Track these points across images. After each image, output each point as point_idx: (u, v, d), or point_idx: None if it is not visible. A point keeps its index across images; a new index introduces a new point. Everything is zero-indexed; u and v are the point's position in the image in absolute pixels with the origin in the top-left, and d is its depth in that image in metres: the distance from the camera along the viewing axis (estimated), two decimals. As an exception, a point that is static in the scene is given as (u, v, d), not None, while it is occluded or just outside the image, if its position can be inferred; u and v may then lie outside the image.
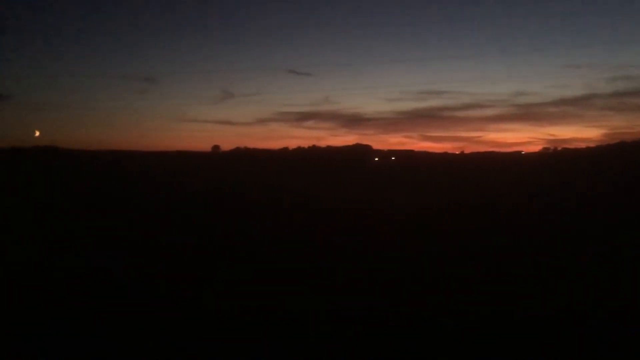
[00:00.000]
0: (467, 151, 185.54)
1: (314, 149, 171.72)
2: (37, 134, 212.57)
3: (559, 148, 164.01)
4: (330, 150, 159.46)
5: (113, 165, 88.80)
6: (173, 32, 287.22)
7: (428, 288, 10.64)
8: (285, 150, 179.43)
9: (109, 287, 10.44)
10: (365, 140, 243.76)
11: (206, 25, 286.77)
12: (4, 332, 7.81)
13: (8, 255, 13.45)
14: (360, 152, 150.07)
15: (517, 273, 12.06)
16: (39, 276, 11.30)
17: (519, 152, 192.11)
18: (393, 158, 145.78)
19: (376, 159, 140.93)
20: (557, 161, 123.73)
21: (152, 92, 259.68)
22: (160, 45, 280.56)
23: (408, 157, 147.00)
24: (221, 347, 7.41)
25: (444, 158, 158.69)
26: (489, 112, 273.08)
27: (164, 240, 15.85)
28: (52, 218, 20.81)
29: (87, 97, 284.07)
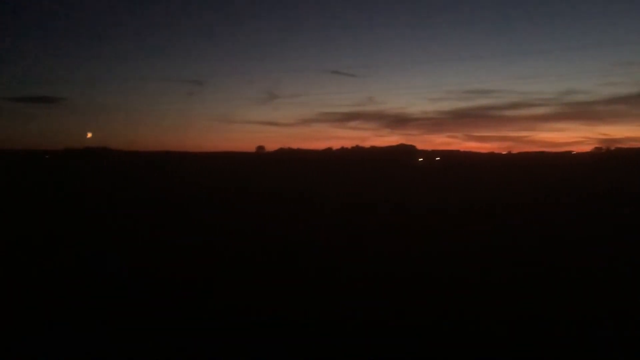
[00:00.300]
0: (514, 151, 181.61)
1: (357, 150, 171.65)
2: (90, 135, 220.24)
3: (612, 148, 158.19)
4: (374, 151, 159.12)
5: (161, 165, 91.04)
6: (219, 35, 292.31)
7: (475, 288, 10.40)
8: (328, 151, 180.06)
9: (154, 285, 10.65)
10: (409, 141, 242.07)
11: (252, 29, 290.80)
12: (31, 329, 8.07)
13: (61, 252, 13.92)
14: (405, 153, 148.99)
15: (569, 276, 11.64)
16: (88, 274, 11.64)
17: (569, 152, 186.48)
18: (437, 158, 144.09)
19: (420, 159, 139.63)
20: (611, 161, 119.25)
21: (199, 94, 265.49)
22: (207, 49, 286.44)
23: (453, 158, 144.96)
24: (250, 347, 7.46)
25: (491, 158, 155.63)
26: (538, 111, 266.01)
27: (210, 240, 16.07)
28: (103, 217, 21.46)
29: (137, 99, 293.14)
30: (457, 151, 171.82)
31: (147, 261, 13.03)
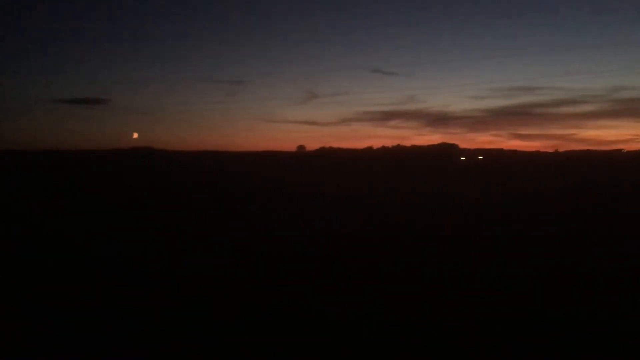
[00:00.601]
0: (561, 149, 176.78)
1: (398, 148, 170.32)
2: (135, 135, 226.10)
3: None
4: (415, 150, 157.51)
5: (203, 164, 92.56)
6: (261, 36, 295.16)
7: (524, 289, 10.07)
8: (369, 150, 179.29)
9: (194, 284, 10.74)
10: (451, 139, 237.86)
11: (292, 28, 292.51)
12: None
13: (106, 250, 14.24)
14: (446, 151, 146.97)
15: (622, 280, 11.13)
16: (141, 272, 11.84)
17: (619, 150, 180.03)
18: (480, 157, 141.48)
19: (462, 158, 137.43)
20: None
21: (240, 94, 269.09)
22: (248, 49, 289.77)
23: (497, 156, 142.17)
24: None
25: (536, 157, 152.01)
26: (585, 108, 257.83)
27: (251, 239, 16.15)
28: (147, 215, 21.89)
29: (180, 100, 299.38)
30: (501, 150, 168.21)
31: (199, 260, 13.17)
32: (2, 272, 11.66)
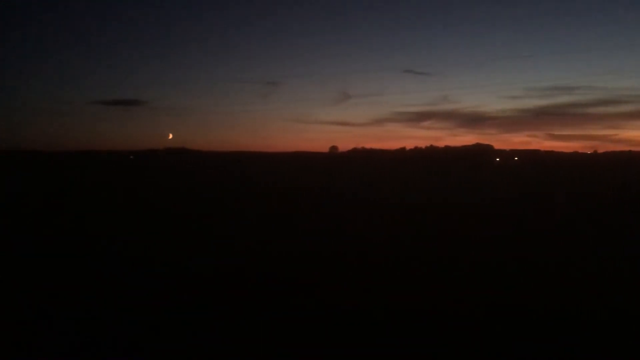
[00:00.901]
0: (600, 150, 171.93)
1: (431, 149, 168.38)
2: (170, 136, 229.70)
3: None
4: (449, 151, 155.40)
5: (236, 165, 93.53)
6: (294, 37, 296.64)
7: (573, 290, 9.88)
8: (402, 151, 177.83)
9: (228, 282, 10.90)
10: (486, 140, 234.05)
11: (325, 29, 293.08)
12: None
13: (141, 248, 14.56)
14: (481, 152, 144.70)
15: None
16: (177, 271, 12.09)
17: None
18: (516, 158, 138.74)
19: (497, 159, 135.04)
20: None
21: (274, 95, 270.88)
22: (281, 51, 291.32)
23: (533, 157, 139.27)
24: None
25: (574, 158, 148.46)
26: (625, 108, 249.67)
27: (285, 239, 16.27)
28: (182, 214, 22.29)
29: (215, 101, 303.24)
30: (538, 151, 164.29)
31: (230, 259, 13.36)
32: (40, 269, 12.07)
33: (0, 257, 13.05)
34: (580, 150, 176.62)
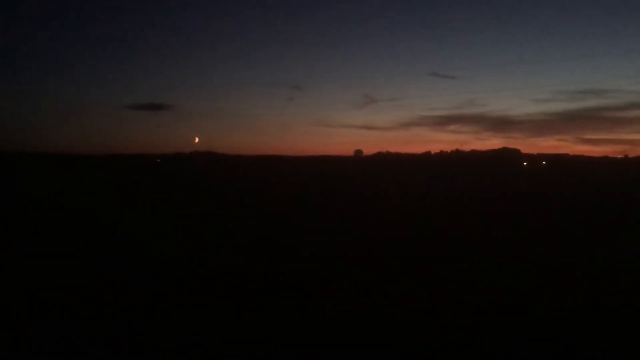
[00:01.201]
0: (631, 155, 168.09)
1: (457, 154, 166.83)
2: (197, 140, 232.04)
3: None
4: (475, 155, 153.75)
5: (261, 168, 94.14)
6: (318, 41, 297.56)
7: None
8: (427, 155, 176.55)
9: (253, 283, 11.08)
10: (512, 144, 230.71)
11: (350, 33, 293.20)
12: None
13: (164, 248, 14.86)
14: (508, 157, 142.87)
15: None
16: (198, 271, 12.34)
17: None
18: (544, 163, 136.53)
19: (525, 163, 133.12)
20: None
21: (299, 99, 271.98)
22: (306, 55, 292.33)
23: (562, 162, 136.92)
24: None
25: (605, 162, 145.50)
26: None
27: (309, 241, 16.41)
28: (207, 216, 22.63)
29: (240, 105, 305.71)
30: (567, 155, 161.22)
31: (257, 259, 13.56)
32: (63, 268, 12.45)
33: (32, 256, 13.48)
34: (610, 155, 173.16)
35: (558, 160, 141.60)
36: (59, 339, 7.76)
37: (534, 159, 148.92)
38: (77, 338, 7.81)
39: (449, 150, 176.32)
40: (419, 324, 8.46)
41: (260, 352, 7.41)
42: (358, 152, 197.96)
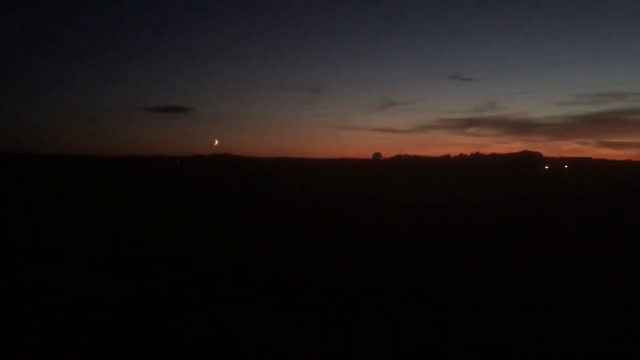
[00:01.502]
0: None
1: (477, 157, 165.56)
2: (216, 142, 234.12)
3: None
4: (495, 158, 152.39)
5: (280, 171, 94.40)
6: (337, 44, 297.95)
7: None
8: (446, 158, 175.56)
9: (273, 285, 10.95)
10: (534, 147, 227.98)
11: (369, 36, 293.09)
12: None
13: (179, 250, 14.83)
14: (529, 160, 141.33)
15: None
16: (223, 273, 12.26)
17: None
18: (566, 166, 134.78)
19: (546, 167, 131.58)
20: None
21: (317, 102, 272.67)
22: (324, 58, 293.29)
23: (584, 165, 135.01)
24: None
25: (627, 166, 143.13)
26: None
27: (325, 245, 16.26)
28: (226, 217, 22.60)
29: (259, 108, 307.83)
30: (589, 159, 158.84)
31: (274, 263, 13.44)
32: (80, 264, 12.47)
33: (61, 253, 13.56)
34: (634, 159, 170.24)
35: (580, 164, 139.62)
36: (60, 339, 7.71)
37: (556, 162, 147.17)
38: (80, 338, 7.75)
39: (468, 154, 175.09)
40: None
41: (261, 352, 7.31)
42: (377, 155, 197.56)
